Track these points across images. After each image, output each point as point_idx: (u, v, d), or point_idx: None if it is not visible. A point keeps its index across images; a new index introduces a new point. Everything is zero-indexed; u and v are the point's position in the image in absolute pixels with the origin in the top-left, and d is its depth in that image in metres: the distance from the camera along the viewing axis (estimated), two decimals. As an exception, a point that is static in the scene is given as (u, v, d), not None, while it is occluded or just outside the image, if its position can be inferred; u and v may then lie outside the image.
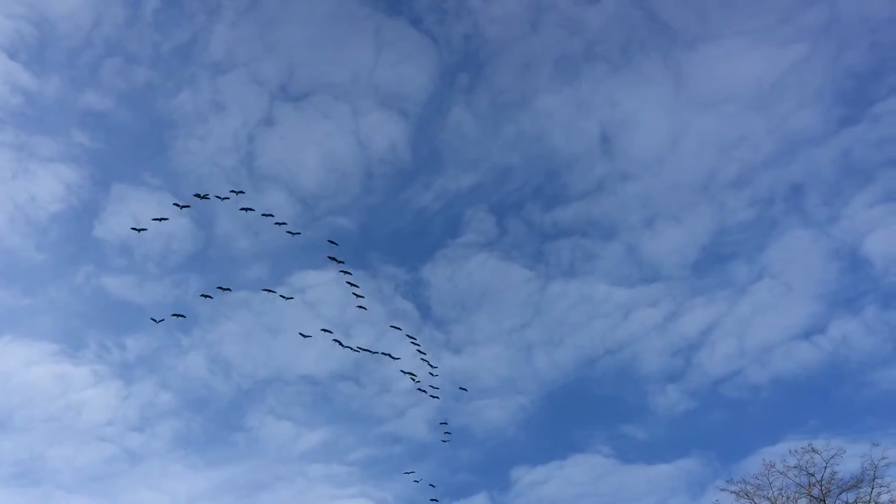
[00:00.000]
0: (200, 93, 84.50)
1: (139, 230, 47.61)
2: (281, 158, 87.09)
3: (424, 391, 51.25)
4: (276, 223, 47.23)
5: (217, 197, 46.02)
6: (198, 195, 45.26)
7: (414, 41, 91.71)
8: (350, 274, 49.02)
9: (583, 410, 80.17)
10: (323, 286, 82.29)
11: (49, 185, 79.49)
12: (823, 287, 76.71)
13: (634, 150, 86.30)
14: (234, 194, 46.34)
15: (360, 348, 51.13)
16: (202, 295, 47.98)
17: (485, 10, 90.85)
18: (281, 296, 49.75)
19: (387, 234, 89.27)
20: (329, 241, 48.24)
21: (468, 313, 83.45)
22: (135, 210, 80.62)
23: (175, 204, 45.51)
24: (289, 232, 48.23)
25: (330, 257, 47.76)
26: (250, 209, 47.12)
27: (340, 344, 49.46)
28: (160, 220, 46.03)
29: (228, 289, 47.00)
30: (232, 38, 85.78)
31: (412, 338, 51.87)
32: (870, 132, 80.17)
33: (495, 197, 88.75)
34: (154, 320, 47.75)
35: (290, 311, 73.46)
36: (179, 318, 48.74)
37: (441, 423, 54.94)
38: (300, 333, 50.52)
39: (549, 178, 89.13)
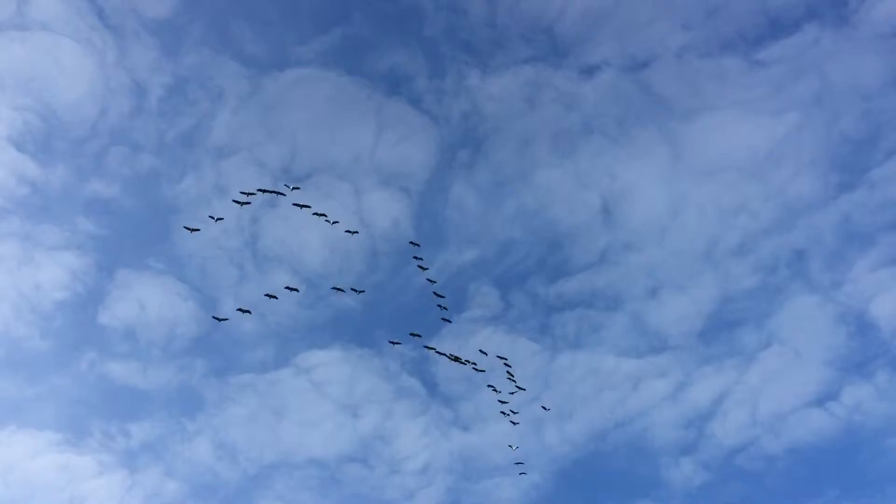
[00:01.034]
0: (204, 177, 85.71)
1: (192, 230, 48.75)
2: (284, 239, 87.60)
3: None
4: (330, 222, 49.14)
5: (271, 192, 48.15)
6: (246, 192, 47.26)
7: (414, 120, 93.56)
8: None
9: (596, 486, 78.64)
10: (329, 365, 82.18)
11: (54, 272, 79.85)
12: (833, 352, 76.53)
13: (635, 221, 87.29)
14: (288, 189, 48.16)
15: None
16: (240, 309, 49.21)
17: (482, 89, 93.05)
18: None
19: (392, 311, 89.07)
20: (411, 242, 51.39)
21: (475, 389, 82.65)
22: (139, 295, 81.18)
23: (234, 201, 46.95)
24: (347, 231, 50.55)
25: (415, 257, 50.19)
26: (306, 206, 48.71)
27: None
28: (216, 219, 47.60)
29: (248, 311, 48.69)
30: (234, 123, 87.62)
31: None
32: (868, 197, 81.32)
33: (499, 270, 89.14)
34: (217, 318, 48.93)
35: (297, 392, 73.00)
36: (245, 313, 49.69)
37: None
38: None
39: (552, 250, 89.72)
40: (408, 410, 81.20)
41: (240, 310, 48.93)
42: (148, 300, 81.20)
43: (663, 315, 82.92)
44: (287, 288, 50.54)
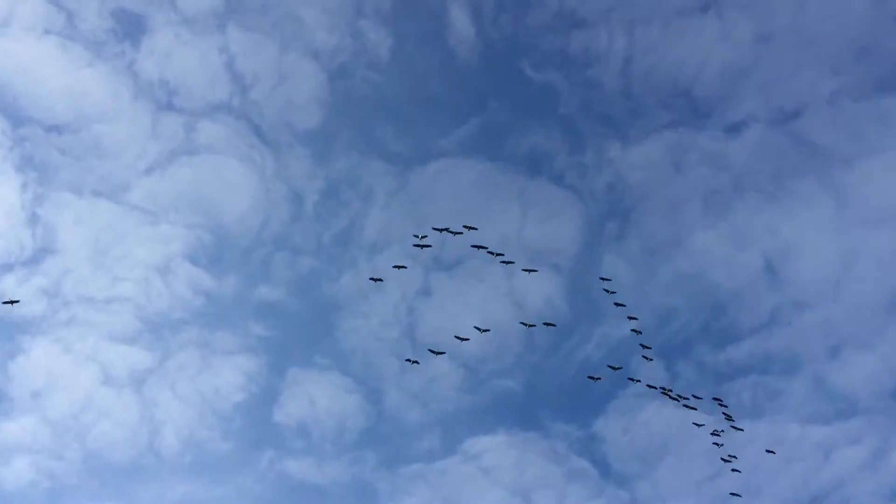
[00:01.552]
0: (360, 273, 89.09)
1: (376, 280, 50.86)
2: (441, 326, 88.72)
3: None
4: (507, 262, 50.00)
5: (450, 231, 49.52)
6: (436, 229, 49.06)
7: (558, 198, 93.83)
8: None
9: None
10: (496, 450, 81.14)
11: (231, 376, 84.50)
12: None
13: (804, 277, 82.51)
14: (467, 229, 49.52)
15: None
16: (431, 350, 50.28)
17: (624, 159, 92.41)
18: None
19: (553, 391, 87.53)
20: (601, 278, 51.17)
21: (650, 467, 79.07)
22: (309, 391, 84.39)
23: (414, 236, 48.94)
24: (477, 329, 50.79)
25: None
26: (483, 247, 49.67)
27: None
28: (400, 267, 49.49)
29: (441, 352, 49.82)
30: (385, 218, 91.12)
31: None
32: None
33: (660, 340, 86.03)
34: (409, 361, 49.63)
35: (467, 480, 72.39)
36: (439, 354, 50.59)
37: None
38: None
39: (715, 315, 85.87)
40: (581, 494, 78.68)
41: (431, 350, 50.31)
42: (317, 396, 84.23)
43: (848, 376, 77.14)
44: (476, 328, 51.37)
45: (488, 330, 52.33)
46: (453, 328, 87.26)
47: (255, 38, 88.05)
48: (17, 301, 60.89)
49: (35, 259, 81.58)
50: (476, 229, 51.50)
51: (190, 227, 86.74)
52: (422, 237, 50.99)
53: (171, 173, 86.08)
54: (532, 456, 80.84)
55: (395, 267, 52.00)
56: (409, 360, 54.38)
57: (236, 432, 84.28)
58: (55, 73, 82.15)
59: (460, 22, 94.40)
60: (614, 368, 51.87)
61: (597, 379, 53.04)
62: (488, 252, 50.85)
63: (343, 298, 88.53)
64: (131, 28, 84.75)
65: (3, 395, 78.81)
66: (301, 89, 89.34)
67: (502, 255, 52.06)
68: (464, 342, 51.70)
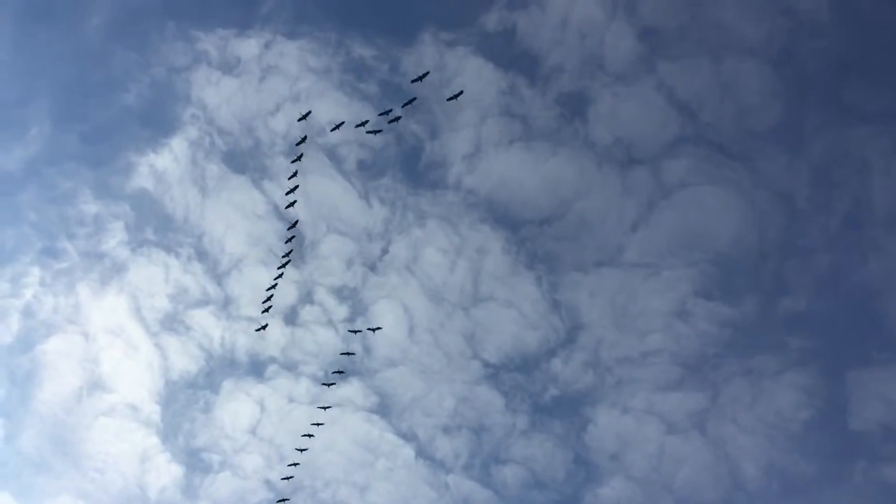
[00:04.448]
0: (887, 252, 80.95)
1: None
2: None
3: None
4: None
5: None
6: None
7: None
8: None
9: None
10: None
11: (788, 395, 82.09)
12: None
13: None
14: None
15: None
16: None
17: None
18: None
19: None
20: None
21: None
22: (879, 390, 78.87)
23: None
24: None
25: None
26: None
27: None
28: None
29: None
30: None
31: None
32: None
33: None
34: None
35: None
36: None
37: None
38: None
39: None
40: None
41: None
42: (890, 393, 78.51)
43: None
44: None
45: None
46: None
47: (685, 63, 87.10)
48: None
49: (570, 338, 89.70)
50: None
51: (690, 266, 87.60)
52: None
53: (655, 221, 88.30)
54: None
55: None
56: None
57: (815, 450, 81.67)
58: (529, 174, 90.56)
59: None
60: None
61: None
62: None
63: (879, 283, 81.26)
64: (574, 105, 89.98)
65: (587, 463, 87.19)
66: (748, 92, 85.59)
67: None
68: None
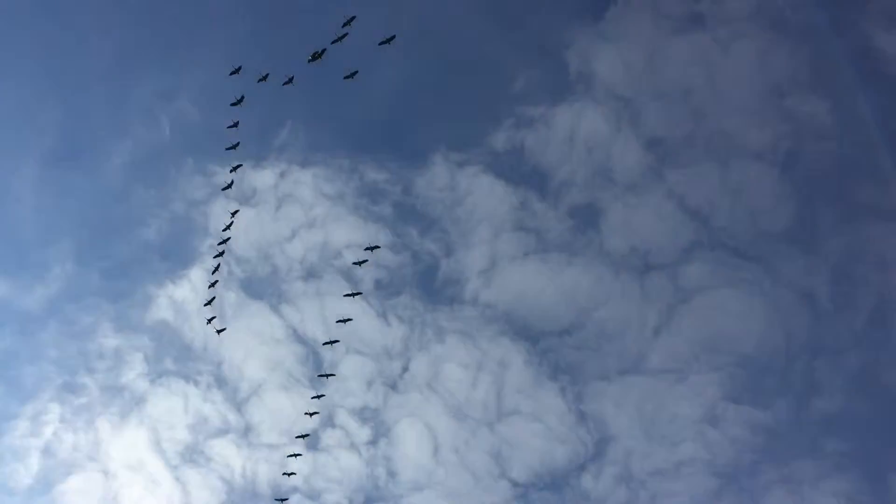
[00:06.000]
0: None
1: None
2: None
3: None
4: None
5: None
6: None
7: None
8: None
9: None
10: None
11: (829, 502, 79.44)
12: None
13: None
14: None
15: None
16: None
17: None
18: None
19: None
20: None
21: None
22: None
23: None
24: None
25: None
26: None
27: None
28: None
29: None
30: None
31: None
32: None
33: None
34: None
35: None
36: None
37: None
38: None
39: None
40: None
41: None
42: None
43: None
44: None
45: None
46: None
47: (693, 170, 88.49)
48: None
49: (599, 451, 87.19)
50: None
51: (717, 369, 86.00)
52: None
53: (677, 326, 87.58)
54: None
55: None
56: None
57: (865, 561, 77.77)
58: (546, 285, 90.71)
59: None
60: None
61: None
62: None
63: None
64: (586, 217, 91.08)
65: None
66: (758, 195, 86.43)
67: None
68: None
